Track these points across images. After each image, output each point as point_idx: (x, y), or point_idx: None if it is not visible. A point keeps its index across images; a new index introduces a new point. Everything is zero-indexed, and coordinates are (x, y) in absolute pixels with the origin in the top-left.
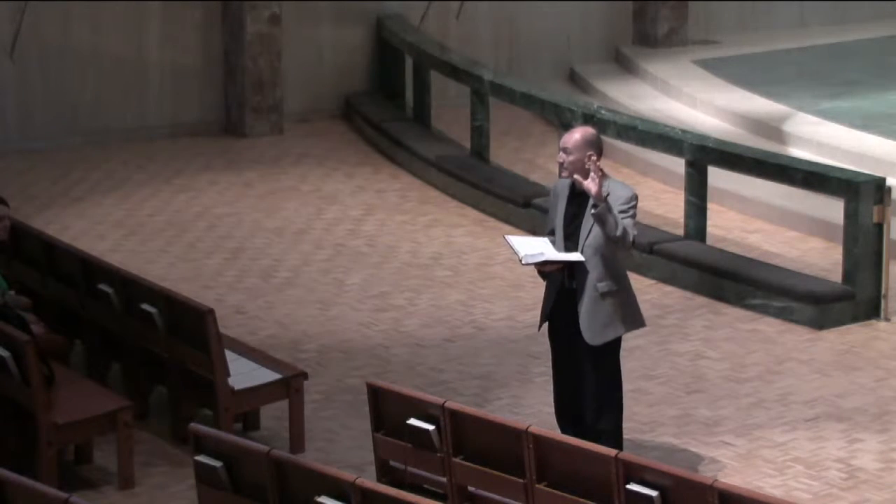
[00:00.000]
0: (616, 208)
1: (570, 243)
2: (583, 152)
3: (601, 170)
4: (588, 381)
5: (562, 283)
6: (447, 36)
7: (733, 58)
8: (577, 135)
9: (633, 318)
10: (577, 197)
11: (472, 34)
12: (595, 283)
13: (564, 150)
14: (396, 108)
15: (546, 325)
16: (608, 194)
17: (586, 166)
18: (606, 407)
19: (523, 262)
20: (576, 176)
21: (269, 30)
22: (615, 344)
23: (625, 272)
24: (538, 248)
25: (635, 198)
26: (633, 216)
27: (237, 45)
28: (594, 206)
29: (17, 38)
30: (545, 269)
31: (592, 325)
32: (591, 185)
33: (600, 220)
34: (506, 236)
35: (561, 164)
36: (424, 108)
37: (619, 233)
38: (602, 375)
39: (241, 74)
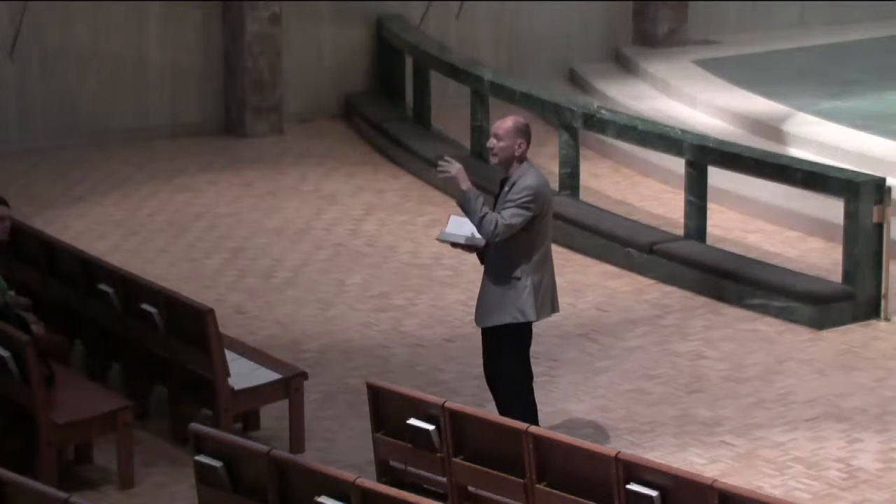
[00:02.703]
0: (509, 197)
1: None
2: (513, 139)
3: (524, 159)
4: (492, 362)
5: None
6: (447, 36)
7: (733, 58)
8: (508, 122)
9: (519, 308)
10: (502, 185)
11: (472, 34)
12: (489, 268)
13: (496, 136)
14: (396, 108)
15: None
16: (513, 184)
17: (516, 153)
18: (507, 392)
19: (437, 238)
20: (441, 171)
21: (269, 30)
22: (507, 331)
23: (522, 263)
24: (460, 229)
25: (529, 188)
26: (521, 205)
27: (237, 45)
28: (459, 195)
29: (17, 38)
30: (465, 251)
31: (481, 307)
32: (449, 175)
33: (461, 207)
34: (452, 214)
35: (491, 150)
36: (424, 108)
37: (475, 221)
38: (499, 360)
39: (241, 74)
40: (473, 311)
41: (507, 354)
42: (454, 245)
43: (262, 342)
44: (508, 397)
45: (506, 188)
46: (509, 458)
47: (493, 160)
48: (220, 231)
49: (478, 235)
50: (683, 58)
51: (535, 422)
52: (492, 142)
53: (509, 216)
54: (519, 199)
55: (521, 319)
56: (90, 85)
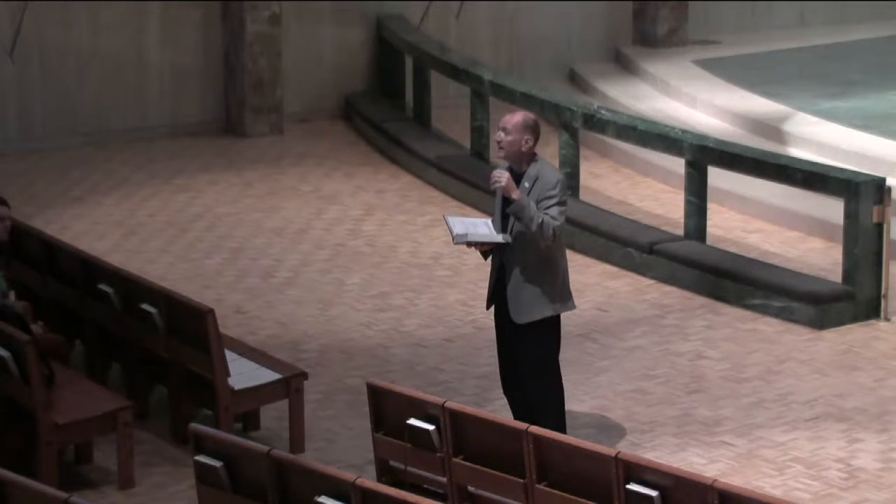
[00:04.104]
0: (543, 194)
1: (505, 224)
2: (521, 134)
3: (534, 154)
4: (523, 358)
5: (500, 262)
6: (447, 36)
7: (733, 58)
8: (518, 117)
9: (560, 300)
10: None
11: (472, 34)
12: (522, 263)
13: (504, 129)
14: (396, 108)
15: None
16: (536, 179)
17: (522, 148)
18: (541, 386)
19: (454, 241)
20: (494, 182)
21: (269, 30)
22: (546, 324)
23: (556, 254)
24: (474, 228)
25: (561, 182)
26: (561, 202)
27: (237, 45)
28: (509, 203)
29: (17, 38)
30: (478, 248)
31: (517, 304)
32: (501, 185)
33: (516, 217)
34: (445, 215)
35: (498, 143)
36: (424, 108)
37: (534, 228)
38: (534, 355)
39: (241, 74)
40: (473, 310)
41: (547, 349)
42: (470, 245)
43: (262, 342)
44: (540, 396)
45: (525, 184)
46: (509, 458)
47: (500, 153)
48: (220, 231)
49: (493, 231)
50: (683, 58)
51: (562, 424)
52: (499, 135)
53: (558, 215)
54: (557, 195)
55: (562, 310)
56: (90, 85)
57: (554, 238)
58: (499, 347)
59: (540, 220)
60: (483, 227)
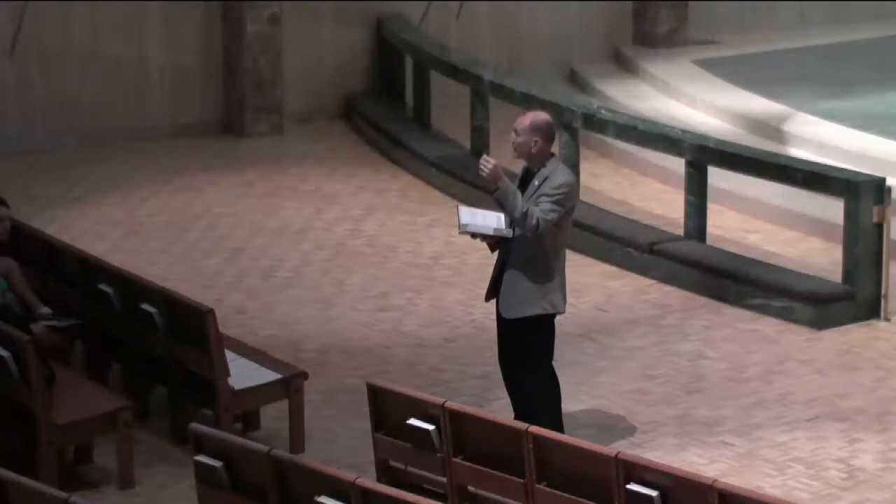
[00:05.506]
0: (544, 191)
1: None
2: (529, 136)
3: (552, 154)
4: (517, 355)
5: (502, 256)
6: (447, 36)
7: (733, 58)
8: (527, 119)
9: (550, 300)
10: (525, 178)
11: (472, 34)
12: (519, 259)
13: (515, 131)
14: (396, 108)
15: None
16: (546, 179)
17: (532, 149)
18: (533, 383)
19: (459, 231)
20: (481, 170)
21: (269, 30)
22: (535, 322)
23: (555, 254)
24: (483, 220)
25: (566, 185)
26: (557, 202)
27: (237, 45)
28: (493, 191)
29: (17, 38)
30: (484, 241)
31: (508, 299)
32: (485, 174)
33: (498, 203)
34: (458, 206)
35: (512, 145)
36: (424, 108)
37: (517, 215)
38: (522, 351)
39: (241, 74)
40: (473, 311)
41: (535, 348)
42: (474, 236)
43: (262, 342)
44: (534, 395)
45: (535, 182)
46: (509, 458)
47: (515, 155)
48: (220, 231)
49: (501, 226)
50: (683, 58)
51: (559, 423)
52: (511, 136)
53: (548, 210)
54: (555, 194)
55: (551, 311)
56: (90, 85)
57: (537, 228)
58: (499, 343)
59: (525, 209)
60: (493, 220)
